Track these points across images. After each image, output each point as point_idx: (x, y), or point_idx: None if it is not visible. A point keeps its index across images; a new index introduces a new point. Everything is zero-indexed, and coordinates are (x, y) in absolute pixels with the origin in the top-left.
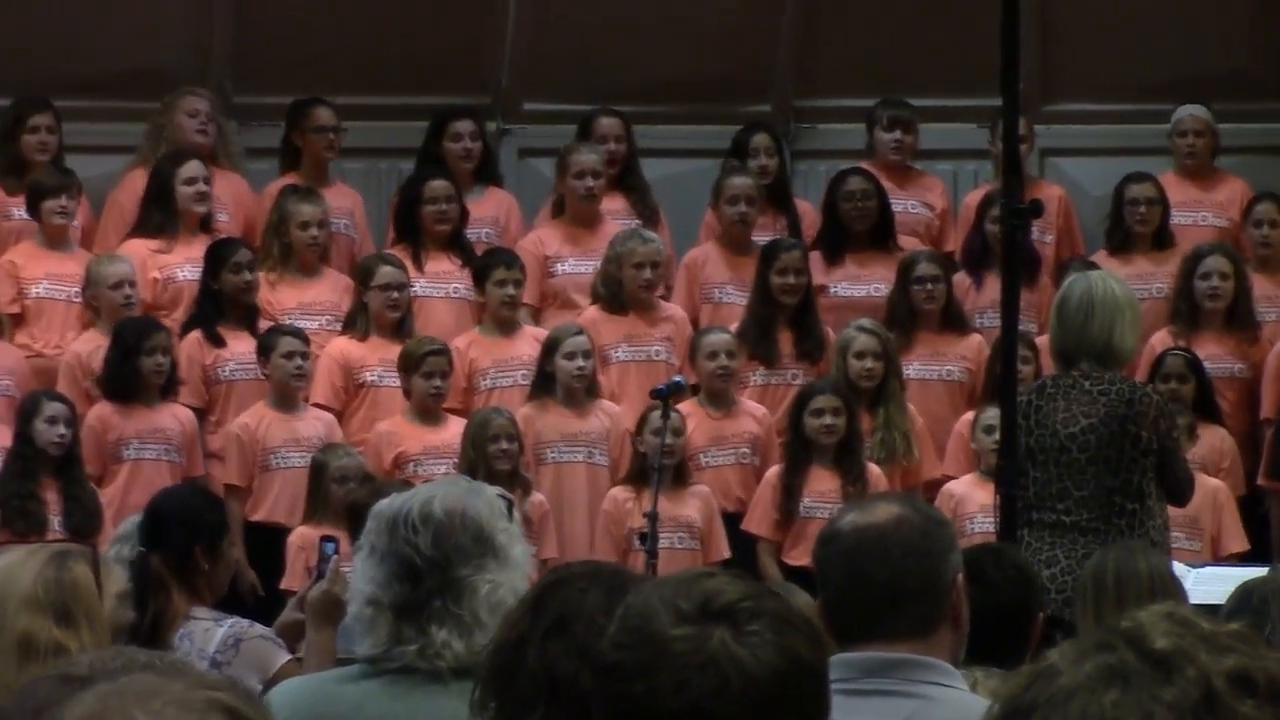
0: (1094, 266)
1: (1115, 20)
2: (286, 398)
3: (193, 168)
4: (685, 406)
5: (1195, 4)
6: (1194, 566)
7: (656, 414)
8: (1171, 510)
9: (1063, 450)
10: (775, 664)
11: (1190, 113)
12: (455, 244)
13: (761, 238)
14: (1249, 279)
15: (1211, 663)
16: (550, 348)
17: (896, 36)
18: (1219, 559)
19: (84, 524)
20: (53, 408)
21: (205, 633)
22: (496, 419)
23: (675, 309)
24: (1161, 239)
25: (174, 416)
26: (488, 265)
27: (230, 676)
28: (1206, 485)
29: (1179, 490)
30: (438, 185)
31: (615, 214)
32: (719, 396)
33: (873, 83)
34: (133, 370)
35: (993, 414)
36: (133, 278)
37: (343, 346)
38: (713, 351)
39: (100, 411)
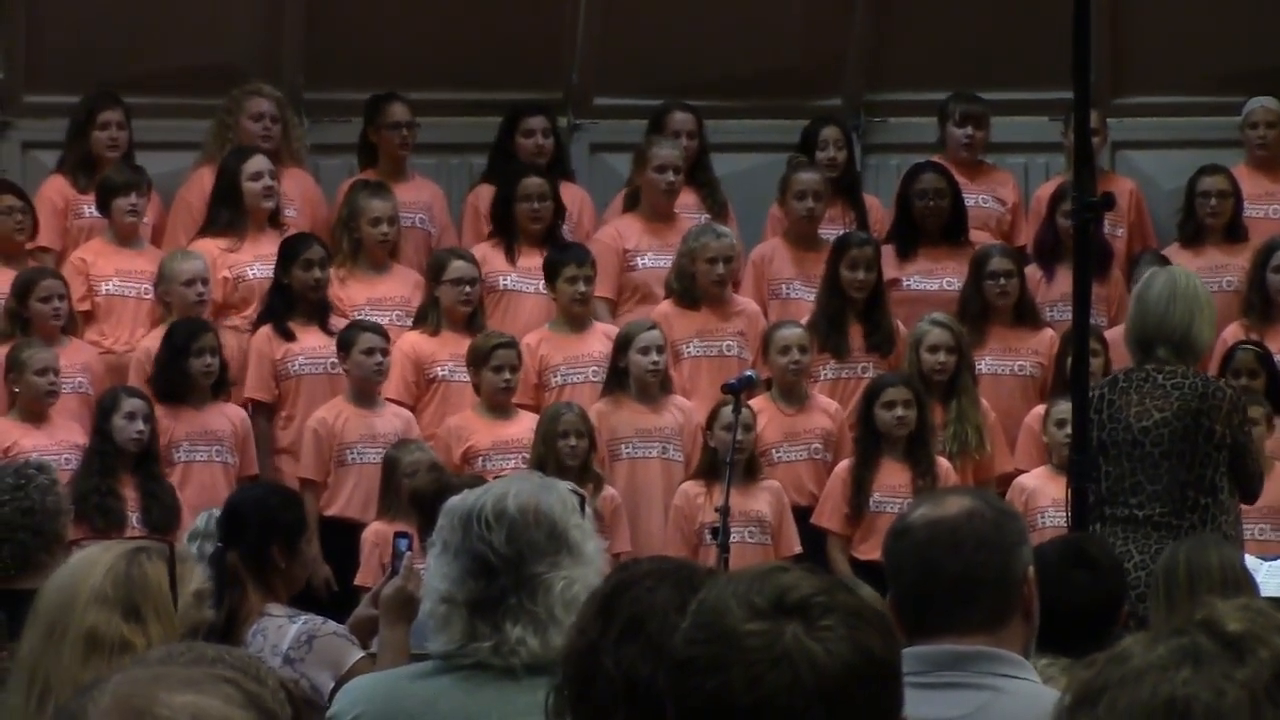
0: (1165, 260)
1: (1186, 12)
2: (366, 394)
3: (258, 162)
4: (757, 402)
5: None
6: (1266, 559)
7: (727, 409)
8: (1259, 501)
9: (1136, 444)
10: (848, 659)
11: (1261, 104)
12: (549, 240)
13: (830, 231)
14: None
15: None
16: (624, 343)
17: (967, 29)
18: None
19: (162, 520)
20: (131, 403)
21: (279, 629)
22: (566, 414)
23: (748, 303)
24: (1234, 231)
25: (225, 416)
26: (559, 262)
27: (251, 658)
28: None
29: (1250, 486)
30: (532, 183)
31: (685, 208)
32: (791, 391)
33: (943, 76)
34: (181, 371)
35: (1064, 407)
36: (206, 275)
37: (414, 341)
38: (785, 346)
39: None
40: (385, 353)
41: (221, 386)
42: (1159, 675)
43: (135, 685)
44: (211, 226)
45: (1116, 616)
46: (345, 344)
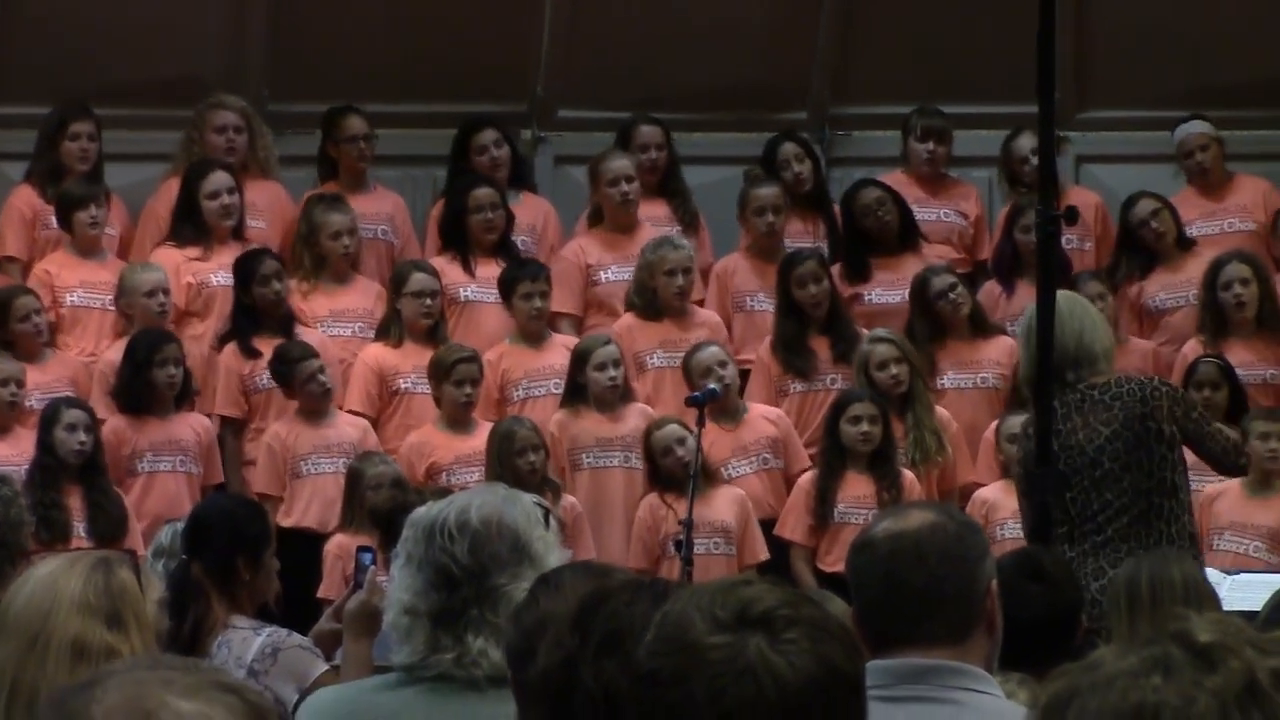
0: (1101, 280)
1: (1151, 27)
2: (316, 410)
3: (216, 180)
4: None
5: (1229, 11)
6: (1229, 574)
7: (658, 431)
8: (1255, 519)
9: (1094, 464)
10: (811, 672)
11: (1190, 131)
12: (503, 249)
13: (799, 245)
14: (1272, 281)
15: (1256, 659)
16: (581, 358)
17: (932, 43)
18: None
19: (108, 530)
20: (72, 415)
21: (243, 641)
22: (520, 430)
23: (710, 315)
24: (1182, 244)
25: (189, 426)
26: (513, 279)
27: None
28: None
29: (1225, 457)
30: (482, 193)
31: (657, 220)
32: (725, 409)
33: (908, 90)
34: (145, 382)
35: (1014, 421)
36: (166, 285)
37: (377, 353)
38: (706, 368)
39: (114, 425)
40: (323, 370)
41: (185, 396)
42: (1129, 681)
43: (143, 687)
44: (174, 238)
45: (1073, 630)
46: (285, 376)
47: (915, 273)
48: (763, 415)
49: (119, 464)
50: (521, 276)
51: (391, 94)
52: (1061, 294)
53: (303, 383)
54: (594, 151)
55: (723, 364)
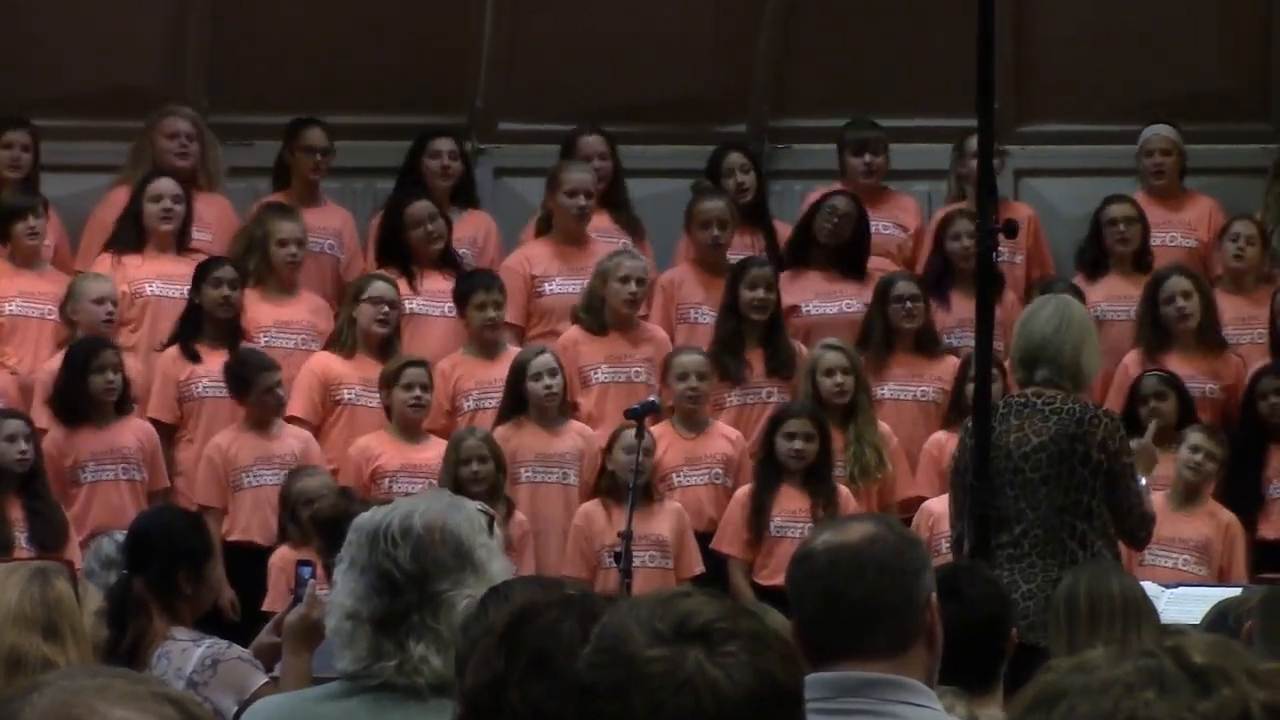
0: (1076, 288)
1: (1089, 41)
2: (263, 422)
3: (160, 186)
4: (658, 428)
5: (1167, 25)
6: (1168, 587)
7: (628, 433)
8: (1181, 533)
9: (1016, 470)
10: (750, 685)
11: (1157, 132)
12: (446, 262)
13: (739, 256)
14: (1212, 296)
15: (1251, 690)
16: (518, 370)
17: (871, 57)
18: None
19: (49, 538)
20: (11, 425)
21: (183, 653)
22: (469, 440)
23: (657, 330)
24: (1142, 260)
25: (131, 432)
26: (468, 289)
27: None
28: (1222, 516)
29: (1128, 523)
30: (420, 206)
31: (601, 231)
32: (691, 418)
33: (847, 103)
34: (82, 390)
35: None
36: (115, 295)
37: (325, 361)
38: (683, 373)
39: (54, 436)
40: (281, 384)
41: (124, 403)
42: (1123, 691)
43: (77, 695)
44: (115, 243)
45: (997, 646)
46: (242, 383)
47: (858, 285)
48: (724, 434)
49: (61, 475)
50: (476, 286)
51: (332, 106)
52: (1077, 304)
53: (261, 394)
54: (534, 164)
55: (702, 376)
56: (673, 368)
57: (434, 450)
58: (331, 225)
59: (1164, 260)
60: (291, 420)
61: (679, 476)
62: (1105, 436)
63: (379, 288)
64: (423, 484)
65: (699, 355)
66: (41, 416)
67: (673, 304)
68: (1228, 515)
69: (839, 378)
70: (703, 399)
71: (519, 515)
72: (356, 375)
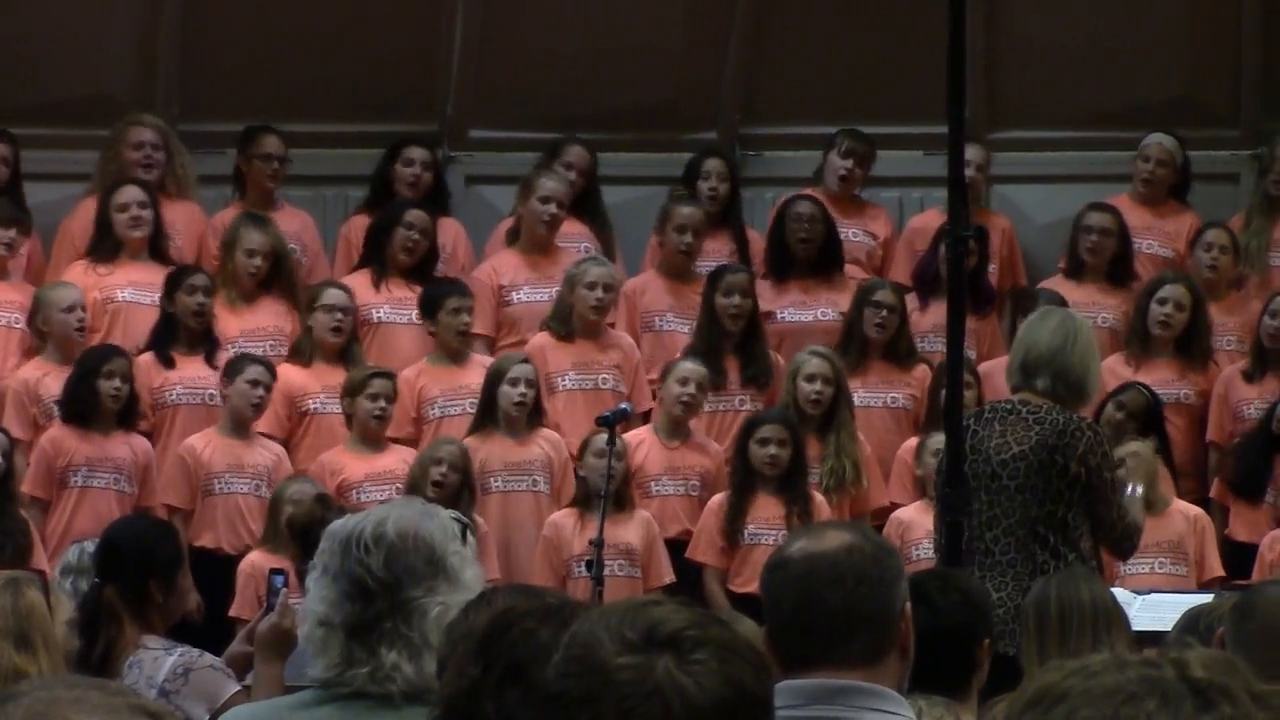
0: (1061, 297)
1: (1061, 48)
2: (240, 424)
3: (126, 194)
4: (639, 433)
5: (1139, 32)
6: (1139, 594)
7: (599, 439)
8: (1157, 534)
9: (994, 477)
10: (719, 693)
11: (1158, 141)
12: (416, 272)
13: (710, 264)
14: (1207, 311)
15: (1253, 710)
16: (495, 376)
17: (842, 64)
18: (1202, 585)
19: (14, 555)
20: None
21: (154, 661)
22: (443, 447)
23: (624, 337)
24: (1116, 273)
25: (128, 445)
26: (440, 295)
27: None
28: (1189, 512)
29: (1112, 535)
30: (415, 215)
31: (569, 238)
32: (677, 426)
33: (818, 110)
34: (90, 392)
35: (939, 439)
36: (84, 303)
37: (285, 374)
38: (684, 378)
39: (55, 434)
40: (268, 389)
41: (128, 416)
42: (1126, 699)
43: (53, 705)
44: (92, 254)
45: (967, 655)
46: (232, 370)
47: (835, 292)
48: (705, 447)
49: (52, 474)
50: (449, 293)
51: (303, 113)
52: (1084, 320)
53: (244, 387)
54: (504, 172)
55: (701, 386)
56: (674, 371)
57: (396, 456)
58: (291, 229)
59: (1148, 265)
60: (261, 437)
61: (657, 485)
62: (1086, 450)
63: (332, 295)
64: (389, 490)
65: (702, 368)
66: (14, 425)
67: (636, 312)
68: (1195, 510)
69: (819, 385)
70: (695, 409)
71: (477, 518)
72: (319, 384)
